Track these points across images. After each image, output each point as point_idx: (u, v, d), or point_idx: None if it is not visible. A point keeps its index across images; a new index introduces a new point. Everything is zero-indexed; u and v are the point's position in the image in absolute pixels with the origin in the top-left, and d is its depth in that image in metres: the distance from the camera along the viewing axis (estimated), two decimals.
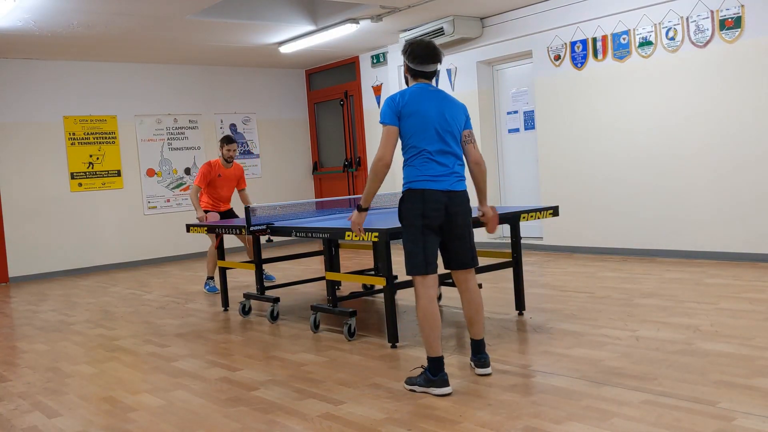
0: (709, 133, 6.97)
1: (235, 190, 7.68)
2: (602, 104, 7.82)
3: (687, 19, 7.01)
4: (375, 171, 3.69)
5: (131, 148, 10.38)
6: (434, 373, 3.54)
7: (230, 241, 9.75)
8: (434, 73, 3.76)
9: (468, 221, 3.74)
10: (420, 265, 3.70)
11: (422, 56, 3.66)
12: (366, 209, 3.88)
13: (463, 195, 3.70)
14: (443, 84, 9.65)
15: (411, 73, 3.74)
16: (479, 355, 3.83)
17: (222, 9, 7.87)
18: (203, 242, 10.47)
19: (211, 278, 7.49)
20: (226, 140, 7.40)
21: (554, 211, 5.18)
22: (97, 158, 10.09)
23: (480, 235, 9.20)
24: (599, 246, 7.89)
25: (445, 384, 3.52)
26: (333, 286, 5.15)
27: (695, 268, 6.67)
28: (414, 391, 3.59)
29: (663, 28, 7.20)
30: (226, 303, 6.36)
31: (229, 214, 7.61)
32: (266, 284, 6.99)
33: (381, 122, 3.67)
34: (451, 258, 3.82)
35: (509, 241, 5.37)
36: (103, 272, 9.86)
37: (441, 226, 3.67)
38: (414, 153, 3.70)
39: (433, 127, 3.63)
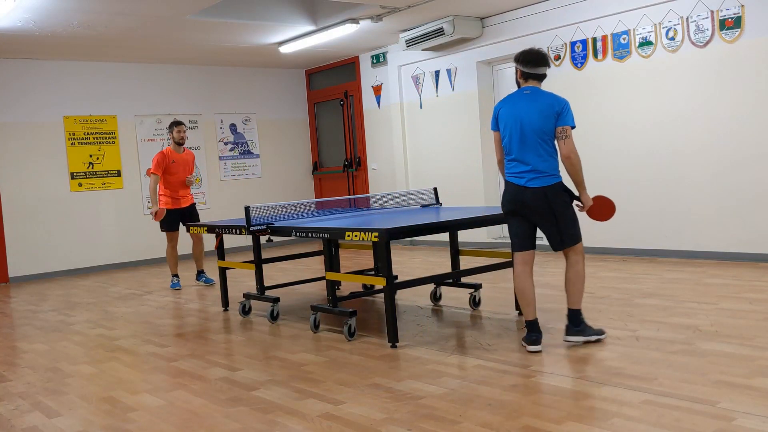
0: (709, 133, 6.97)
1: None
2: (602, 104, 7.81)
3: (687, 19, 7.01)
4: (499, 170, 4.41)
5: (131, 148, 10.38)
6: (527, 333, 4.19)
7: (230, 241, 9.76)
8: (544, 76, 4.25)
9: (551, 211, 4.13)
10: (512, 244, 4.32)
11: (534, 60, 4.18)
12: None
13: (537, 192, 4.11)
14: (443, 84, 9.65)
15: (523, 76, 4.22)
16: (568, 324, 4.28)
17: (222, 9, 7.87)
18: (204, 242, 10.45)
19: (175, 275, 7.84)
20: (175, 123, 7.64)
21: None
22: (97, 158, 10.09)
23: (481, 235, 9.23)
24: (599, 246, 7.89)
25: (534, 343, 4.14)
26: (333, 286, 5.15)
27: (695, 268, 6.67)
28: (523, 345, 4.24)
29: (663, 28, 7.20)
30: (226, 303, 6.36)
31: (190, 210, 7.75)
32: (204, 286, 7.51)
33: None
34: (547, 240, 4.29)
35: (509, 241, 5.36)
36: (103, 272, 9.87)
37: (527, 214, 4.19)
38: (506, 152, 4.25)
39: (516, 130, 4.13)
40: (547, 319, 5.01)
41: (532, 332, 4.18)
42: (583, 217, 4.31)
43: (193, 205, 7.81)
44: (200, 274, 7.86)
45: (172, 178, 7.58)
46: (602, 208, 4.30)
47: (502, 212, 4.36)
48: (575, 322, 4.23)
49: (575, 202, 4.24)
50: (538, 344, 4.15)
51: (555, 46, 8.19)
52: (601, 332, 4.31)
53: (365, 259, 8.81)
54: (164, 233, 7.80)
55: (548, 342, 4.37)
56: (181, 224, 7.68)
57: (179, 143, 7.58)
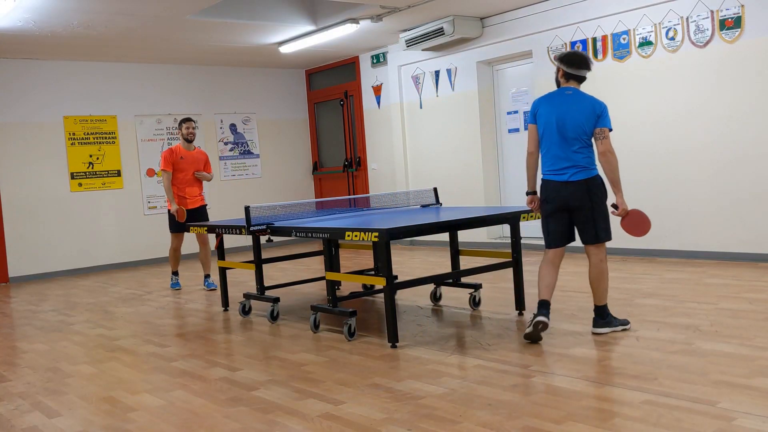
0: (709, 133, 6.97)
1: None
2: None
3: (687, 19, 7.01)
4: (526, 161, 4.54)
5: (131, 148, 10.38)
6: (537, 308, 4.36)
7: (230, 241, 9.76)
8: (584, 78, 4.46)
9: (588, 204, 4.32)
10: (545, 241, 4.51)
11: (578, 63, 4.40)
12: (530, 192, 4.60)
13: (580, 184, 4.31)
14: (443, 84, 9.65)
15: (565, 75, 4.42)
16: (595, 317, 4.48)
17: (222, 9, 7.87)
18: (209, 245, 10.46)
19: (175, 273, 7.82)
20: (184, 120, 7.51)
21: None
22: (97, 158, 10.09)
23: (481, 235, 9.23)
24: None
25: (541, 315, 4.28)
26: (333, 286, 5.15)
27: (695, 268, 6.67)
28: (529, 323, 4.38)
29: (663, 28, 7.20)
30: (226, 303, 6.36)
31: (200, 212, 7.54)
32: (207, 291, 7.39)
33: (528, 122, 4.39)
34: (579, 234, 4.46)
35: (509, 241, 5.37)
36: (103, 272, 9.86)
37: (563, 209, 4.38)
38: (544, 150, 4.43)
39: (554, 128, 4.34)
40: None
41: (542, 308, 4.33)
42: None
43: (202, 207, 7.58)
44: (206, 278, 7.67)
45: (181, 176, 7.42)
46: (638, 223, 4.41)
47: (540, 211, 4.55)
48: (602, 315, 4.47)
49: (610, 208, 4.41)
50: (546, 316, 4.29)
51: (555, 46, 8.19)
52: (626, 322, 4.53)
53: (365, 259, 8.81)
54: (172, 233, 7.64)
55: (548, 342, 4.37)
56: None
57: (188, 140, 7.45)
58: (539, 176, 4.53)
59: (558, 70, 4.47)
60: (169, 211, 7.44)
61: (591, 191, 4.32)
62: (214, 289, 7.41)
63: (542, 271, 4.46)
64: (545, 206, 4.45)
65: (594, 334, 4.44)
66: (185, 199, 7.48)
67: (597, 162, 4.38)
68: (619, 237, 7.91)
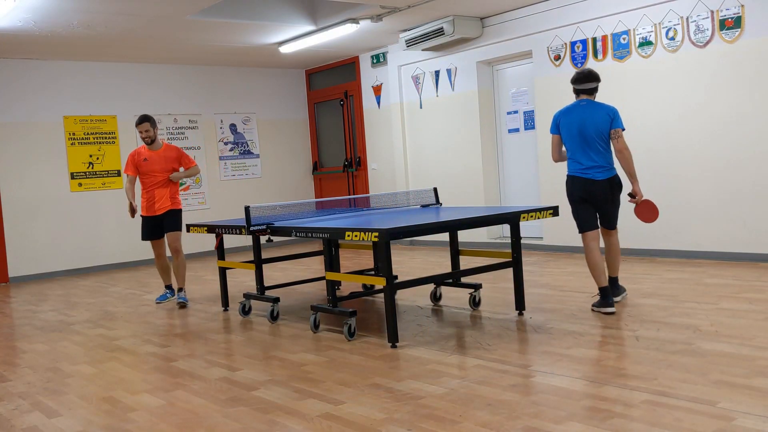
0: (709, 133, 6.97)
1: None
2: None
3: (687, 19, 7.01)
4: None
5: (131, 148, 10.35)
6: (603, 297, 5.07)
7: (230, 241, 9.76)
8: (594, 89, 5.19)
9: (609, 199, 5.15)
10: (579, 226, 5.21)
11: (580, 79, 5.17)
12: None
13: (603, 182, 5.10)
14: (443, 84, 9.65)
15: (575, 92, 5.21)
16: (613, 289, 5.31)
17: (222, 9, 7.87)
18: (204, 242, 10.48)
19: (168, 287, 7.10)
20: (137, 122, 6.81)
21: (554, 211, 5.19)
22: (97, 158, 10.09)
23: (481, 235, 9.23)
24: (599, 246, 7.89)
25: (610, 306, 5.01)
26: (333, 286, 5.15)
27: (695, 268, 6.67)
28: (597, 310, 5.07)
29: (663, 28, 7.20)
30: (226, 303, 6.36)
31: (170, 218, 6.75)
32: (180, 304, 6.59)
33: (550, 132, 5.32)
34: (601, 221, 5.26)
35: (509, 241, 5.37)
36: (103, 272, 9.86)
37: (593, 201, 5.13)
38: (569, 154, 5.21)
39: (576, 134, 5.10)
40: (548, 319, 5.01)
41: (606, 296, 5.05)
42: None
43: (171, 212, 6.76)
44: (179, 291, 6.77)
45: (147, 179, 6.74)
46: (649, 210, 5.18)
47: (569, 201, 5.26)
48: (616, 286, 5.34)
49: (627, 197, 5.20)
50: (613, 306, 5.03)
51: (555, 46, 8.19)
52: (624, 289, 5.48)
53: (365, 259, 8.81)
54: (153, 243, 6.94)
55: (548, 342, 4.37)
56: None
57: (147, 142, 6.76)
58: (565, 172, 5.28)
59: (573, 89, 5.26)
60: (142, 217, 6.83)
61: (613, 187, 5.14)
62: (185, 305, 6.62)
63: (590, 258, 5.15)
64: (576, 197, 5.17)
65: (615, 302, 5.23)
66: (153, 204, 6.76)
67: (615, 161, 5.12)
68: (620, 237, 7.92)
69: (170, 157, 6.82)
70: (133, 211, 6.67)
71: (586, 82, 5.16)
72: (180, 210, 6.87)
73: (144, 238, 6.95)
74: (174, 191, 6.87)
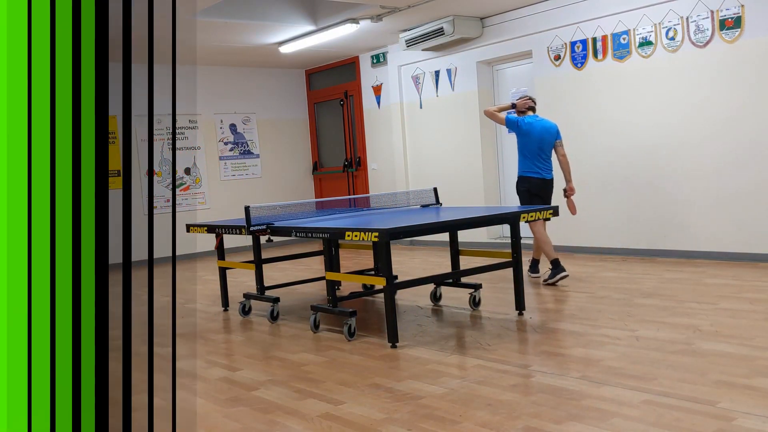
0: (709, 133, 6.97)
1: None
2: (602, 104, 7.81)
3: (687, 19, 7.01)
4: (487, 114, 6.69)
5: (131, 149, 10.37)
6: (555, 267, 6.13)
7: (230, 241, 9.75)
8: (533, 108, 6.51)
9: (551, 193, 6.45)
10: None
11: (533, 107, 6.52)
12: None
13: (550, 181, 6.40)
14: (443, 84, 9.66)
15: (529, 109, 6.47)
16: (552, 269, 6.23)
17: (222, 9, 7.87)
18: (203, 242, 10.46)
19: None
20: None
21: (554, 211, 5.19)
22: None
23: (481, 235, 9.23)
24: (599, 246, 7.89)
25: (562, 271, 6.11)
26: (333, 286, 5.15)
27: (695, 268, 6.67)
28: (552, 283, 6.14)
29: (663, 28, 7.20)
30: (226, 303, 6.36)
31: None
32: None
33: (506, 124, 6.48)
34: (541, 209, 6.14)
35: (509, 241, 5.37)
36: None
37: (539, 194, 6.32)
38: (528, 158, 6.35)
39: (537, 143, 6.30)
40: (548, 319, 5.01)
41: (557, 266, 6.12)
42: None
43: None
44: None
45: None
46: (572, 204, 6.49)
47: (523, 195, 6.41)
48: (555, 266, 6.18)
49: (563, 192, 6.48)
50: (564, 269, 6.11)
51: (555, 46, 8.19)
52: (564, 270, 6.21)
53: (365, 259, 8.81)
54: None
55: (548, 342, 4.37)
56: None
57: None
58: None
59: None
60: None
61: (551, 185, 6.43)
62: None
63: (543, 237, 6.29)
64: (530, 192, 6.37)
65: (547, 282, 6.19)
66: None
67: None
68: (620, 237, 7.91)
69: None
70: None
71: (534, 104, 6.56)
72: None
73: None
74: None
